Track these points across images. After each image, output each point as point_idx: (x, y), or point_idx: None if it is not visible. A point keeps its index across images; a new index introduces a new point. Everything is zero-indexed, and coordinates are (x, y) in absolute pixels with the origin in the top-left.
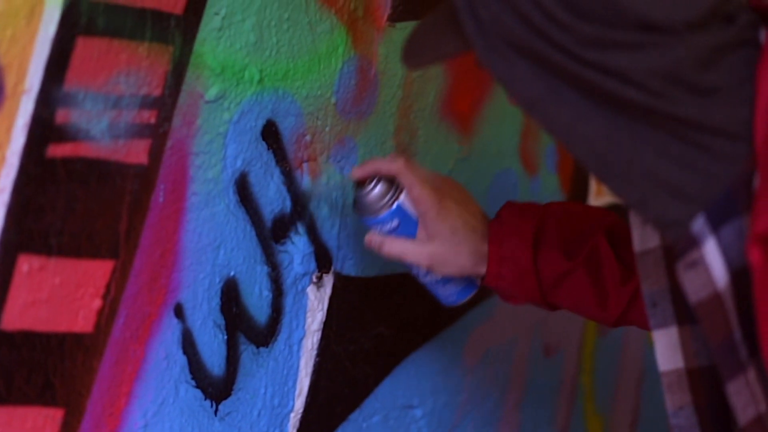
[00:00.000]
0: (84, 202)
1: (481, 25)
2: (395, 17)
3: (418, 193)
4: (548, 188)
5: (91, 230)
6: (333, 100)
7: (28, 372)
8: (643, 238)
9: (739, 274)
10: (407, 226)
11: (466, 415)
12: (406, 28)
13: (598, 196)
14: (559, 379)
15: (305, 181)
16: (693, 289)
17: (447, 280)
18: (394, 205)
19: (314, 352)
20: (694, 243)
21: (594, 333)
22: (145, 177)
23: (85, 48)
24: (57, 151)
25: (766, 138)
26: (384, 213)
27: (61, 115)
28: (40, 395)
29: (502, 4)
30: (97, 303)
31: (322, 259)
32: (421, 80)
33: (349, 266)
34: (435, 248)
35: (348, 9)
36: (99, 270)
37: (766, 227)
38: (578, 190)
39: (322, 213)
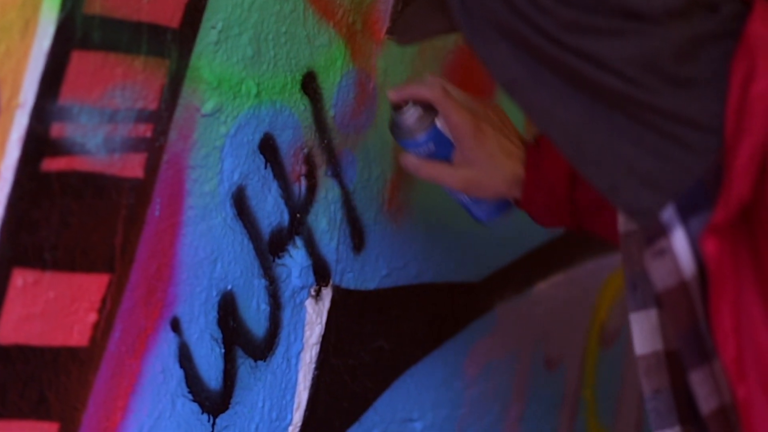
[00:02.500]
0: (79, 216)
1: (465, 5)
2: (394, 30)
3: (455, 120)
4: None
5: (86, 244)
6: (331, 114)
7: (23, 386)
8: (628, 219)
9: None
10: (443, 150)
11: (466, 428)
12: None
13: None
14: (561, 393)
15: (303, 194)
16: (659, 276)
17: (481, 200)
18: (431, 130)
19: (312, 366)
20: (662, 232)
21: (596, 346)
22: (141, 191)
23: (80, 62)
24: (52, 165)
25: (734, 132)
26: (420, 137)
27: (56, 129)
28: (35, 409)
29: None
30: (93, 317)
31: (321, 273)
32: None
33: (348, 279)
34: (470, 173)
35: (346, 22)
36: (94, 284)
37: (722, 218)
38: None
39: (320, 226)
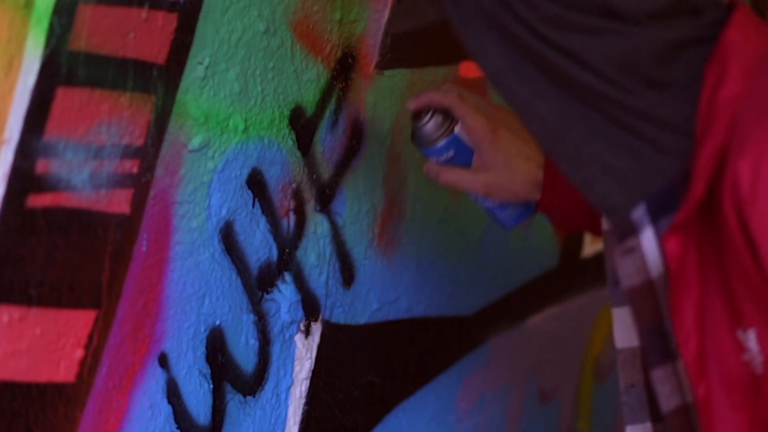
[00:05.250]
0: (65, 252)
1: None
2: (383, 65)
3: (472, 124)
4: (542, 234)
5: (72, 280)
6: (320, 148)
7: (9, 422)
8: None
9: None
10: (463, 155)
11: None
12: (394, 75)
13: (594, 242)
14: (555, 426)
15: (292, 229)
16: (626, 274)
17: (505, 205)
18: (450, 136)
19: (303, 401)
20: (632, 230)
21: (591, 379)
22: (127, 227)
23: (65, 98)
24: (37, 201)
25: (702, 135)
26: (440, 143)
27: (42, 166)
28: None
29: None
30: (79, 353)
31: (310, 308)
32: (410, 128)
33: (337, 314)
34: (490, 177)
35: (335, 57)
36: (81, 320)
37: (684, 216)
38: (573, 236)
39: (309, 261)
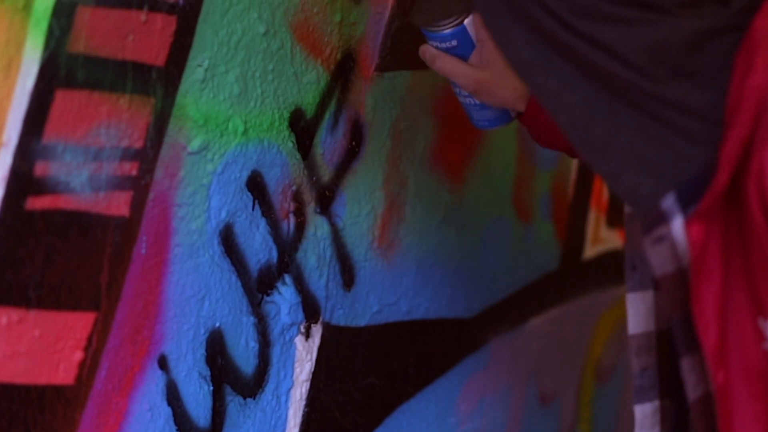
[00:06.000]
0: (64, 254)
1: None
2: (383, 67)
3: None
4: (543, 236)
5: (71, 282)
6: (320, 150)
7: (8, 425)
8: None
9: None
10: (464, 49)
11: None
12: (394, 77)
13: (595, 244)
14: (556, 428)
15: (292, 231)
16: (658, 262)
17: (486, 106)
18: (458, 27)
19: (303, 403)
20: (662, 219)
21: (592, 381)
22: (126, 229)
23: (64, 100)
24: (36, 203)
25: (729, 123)
26: (446, 30)
27: (41, 168)
28: None
29: None
30: (79, 355)
31: (310, 310)
32: (410, 130)
33: (338, 316)
34: (484, 76)
35: (335, 59)
36: (80, 322)
37: (707, 204)
38: (574, 237)
39: (309, 263)
